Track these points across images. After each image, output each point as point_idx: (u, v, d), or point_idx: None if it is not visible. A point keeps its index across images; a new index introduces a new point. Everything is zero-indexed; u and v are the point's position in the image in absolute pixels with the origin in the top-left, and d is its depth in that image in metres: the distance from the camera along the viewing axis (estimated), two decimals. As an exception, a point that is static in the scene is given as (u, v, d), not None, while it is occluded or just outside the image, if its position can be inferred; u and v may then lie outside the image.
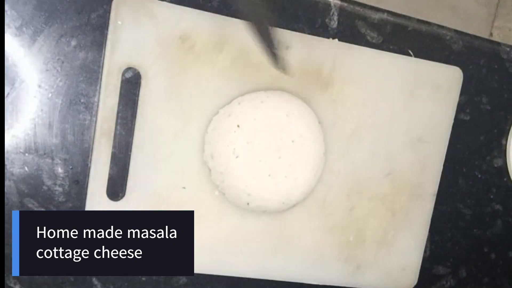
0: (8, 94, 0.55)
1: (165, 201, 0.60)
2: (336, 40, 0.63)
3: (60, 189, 0.58)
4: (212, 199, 0.61)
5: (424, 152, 0.68)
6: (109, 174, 0.58)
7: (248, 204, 0.61)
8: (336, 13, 0.63)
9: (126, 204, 0.59)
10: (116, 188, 0.58)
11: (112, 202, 0.58)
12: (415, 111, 0.67)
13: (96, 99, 0.57)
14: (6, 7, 0.54)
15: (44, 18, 0.55)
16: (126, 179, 0.58)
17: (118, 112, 0.57)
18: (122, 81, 0.57)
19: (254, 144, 0.59)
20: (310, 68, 0.62)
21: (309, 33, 0.62)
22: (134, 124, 0.58)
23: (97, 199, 0.58)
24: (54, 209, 0.58)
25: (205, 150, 0.60)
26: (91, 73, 0.57)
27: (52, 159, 0.57)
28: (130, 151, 0.58)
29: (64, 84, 0.57)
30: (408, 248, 0.70)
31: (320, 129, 0.62)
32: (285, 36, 0.60)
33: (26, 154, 0.57)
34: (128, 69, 0.57)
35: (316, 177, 0.62)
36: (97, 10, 0.56)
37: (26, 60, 0.55)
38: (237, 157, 0.58)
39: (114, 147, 0.58)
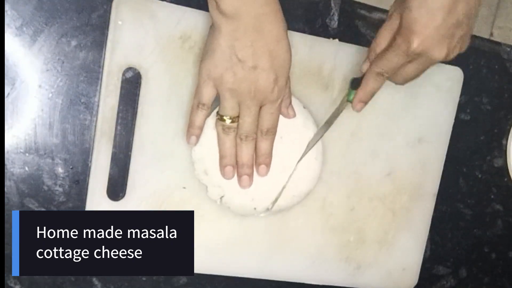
0: (8, 94, 0.55)
1: (165, 201, 0.60)
2: (337, 40, 0.63)
3: (61, 189, 0.58)
4: (212, 199, 0.61)
5: (424, 152, 0.68)
6: (110, 174, 0.58)
7: (255, 209, 0.61)
8: (336, 13, 0.63)
9: (126, 204, 0.59)
10: (116, 188, 0.58)
11: (112, 202, 0.58)
12: (415, 111, 0.66)
13: (96, 99, 0.57)
14: (7, 7, 0.54)
15: (45, 18, 0.55)
16: (126, 179, 0.58)
17: (118, 112, 0.57)
18: (122, 81, 0.57)
19: None
20: (310, 68, 0.62)
21: (309, 33, 0.62)
22: (135, 124, 0.58)
23: (97, 199, 0.58)
24: (55, 209, 0.58)
25: (196, 168, 0.60)
26: (92, 73, 0.57)
27: (53, 159, 0.57)
28: (131, 151, 0.58)
29: (65, 84, 0.57)
30: (409, 248, 0.70)
31: (307, 113, 0.61)
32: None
33: (27, 154, 0.57)
34: (129, 69, 0.57)
35: (318, 161, 0.62)
36: (98, 10, 0.56)
37: (27, 60, 0.55)
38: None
39: (114, 147, 0.58)
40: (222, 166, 0.58)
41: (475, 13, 0.53)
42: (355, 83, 0.59)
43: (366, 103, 0.59)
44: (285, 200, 0.61)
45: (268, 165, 0.59)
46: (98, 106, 0.57)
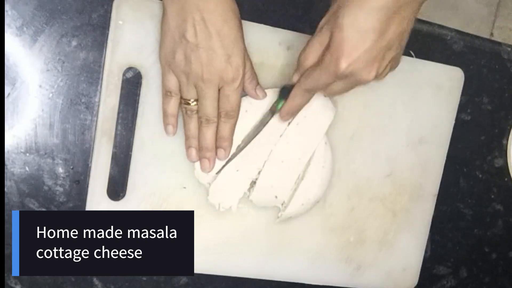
0: (9, 94, 0.55)
1: (165, 201, 0.60)
2: (337, 40, 0.63)
3: (61, 189, 0.58)
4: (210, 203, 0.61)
5: (424, 152, 0.68)
6: (110, 174, 0.58)
7: (276, 197, 0.61)
8: (336, 13, 0.63)
9: (126, 204, 0.59)
10: (116, 188, 0.58)
11: (112, 202, 0.58)
12: (416, 112, 0.66)
13: (97, 99, 0.57)
14: (7, 7, 0.54)
15: (45, 18, 0.55)
16: (127, 179, 0.58)
17: (119, 112, 0.57)
18: (123, 81, 0.57)
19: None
20: (310, 68, 0.62)
21: (309, 33, 0.62)
22: (135, 124, 0.58)
23: (97, 199, 0.58)
24: (55, 209, 0.58)
25: (196, 168, 0.59)
26: (92, 73, 0.57)
27: (53, 159, 0.57)
28: (131, 151, 0.58)
29: (65, 84, 0.57)
30: (409, 249, 0.70)
31: (327, 100, 0.61)
32: (286, 36, 0.60)
33: (27, 154, 0.57)
34: (129, 69, 0.57)
35: (325, 169, 0.62)
36: (98, 10, 0.56)
37: (27, 60, 0.55)
38: (237, 170, 0.59)
39: (114, 147, 0.58)
40: (186, 148, 0.58)
41: (407, 32, 0.51)
42: (284, 93, 0.57)
43: (293, 115, 0.59)
44: (294, 209, 0.61)
45: (226, 148, 0.58)
46: (98, 106, 0.57)
